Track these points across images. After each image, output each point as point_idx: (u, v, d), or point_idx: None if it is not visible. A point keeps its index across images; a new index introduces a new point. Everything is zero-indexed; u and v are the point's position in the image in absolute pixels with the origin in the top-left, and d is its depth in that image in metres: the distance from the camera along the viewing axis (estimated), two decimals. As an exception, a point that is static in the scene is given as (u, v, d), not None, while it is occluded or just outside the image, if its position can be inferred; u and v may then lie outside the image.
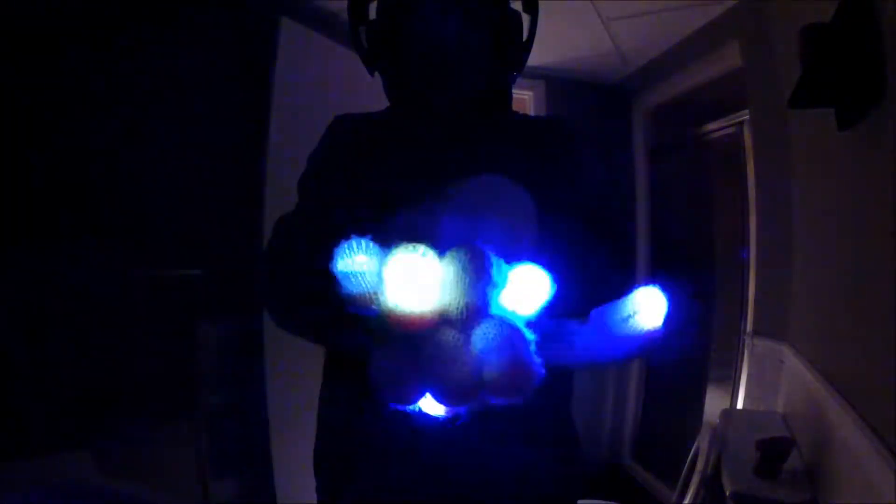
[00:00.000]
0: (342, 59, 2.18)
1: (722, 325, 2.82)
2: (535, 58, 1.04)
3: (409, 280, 0.66)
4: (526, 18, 1.01)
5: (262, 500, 2.27)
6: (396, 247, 0.67)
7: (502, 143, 0.98)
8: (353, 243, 0.69)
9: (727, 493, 1.54)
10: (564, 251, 0.75)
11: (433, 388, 0.69)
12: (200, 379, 2.21)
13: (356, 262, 0.68)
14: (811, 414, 1.63)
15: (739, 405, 2.37)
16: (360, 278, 0.69)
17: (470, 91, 0.97)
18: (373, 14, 1.00)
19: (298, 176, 1.01)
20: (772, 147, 2.20)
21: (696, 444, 2.36)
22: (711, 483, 1.97)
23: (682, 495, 2.31)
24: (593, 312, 0.74)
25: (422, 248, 0.67)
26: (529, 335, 0.70)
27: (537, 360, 0.69)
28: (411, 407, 0.71)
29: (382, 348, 0.70)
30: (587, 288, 0.78)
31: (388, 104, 1.04)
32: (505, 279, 0.69)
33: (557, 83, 3.32)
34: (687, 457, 2.42)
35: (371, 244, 0.69)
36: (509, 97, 1.05)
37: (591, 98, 3.42)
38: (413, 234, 0.69)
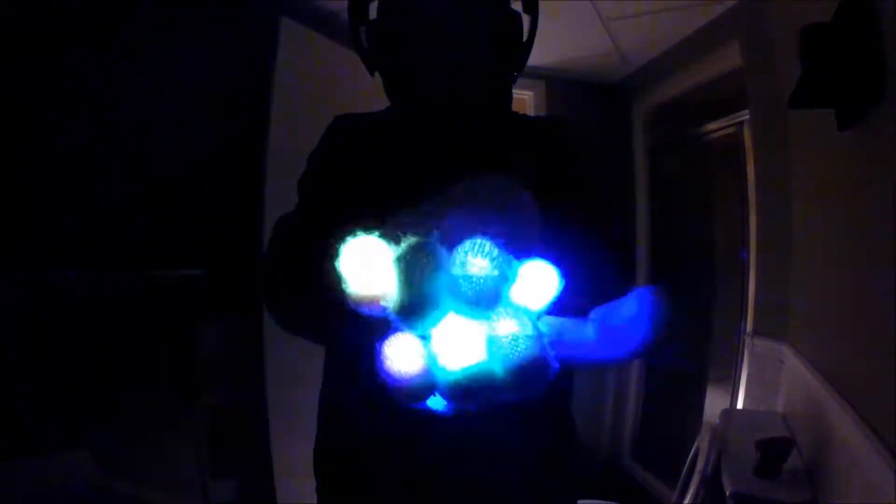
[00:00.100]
0: (342, 59, 2.18)
1: (722, 325, 2.81)
2: (535, 58, 1.04)
3: (363, 263, 0.68)
4: (526, 19, 1.01)
5: (262, 500, 2.27)
6: (404, 243, 0.67)
7: (502, 143, 0.98)
8: (357, 238, 0.69)
9: (727, 493, 1.54)
10: (565, 249, 0.75)
11: (446, 386, 0.68)
12: (200, 379, 2.21)
13: (361, 258, 0.68)
14: (811, 414, 1.63)
15: (739, 405, 2.37)
16: (363, 275, 0.69)
17: (470, 91, 0.97)
18: (373, 14, 1.00)
19: (298, 176, 1.01)
20: (772, 147, 2.20)
21: (696, 444, 2.35)
22: (711, 483, 1.97)
23: (682, 495, 2.31)
24: (593, 312, 0.74)
25: (429, 243, 0.68)
26: (544, 329, 0.70)
27: (552, 354, 0.69)
28: (418, 405, 0.71)
29: (392, 346, 0.69)
30: (588, 286, 0.78)
31: (389, 104, 1.04)
32: (515, 275, 0.69)
33: (557, 83, 3.32)
34: (687, 457, 2.41)
35: (375, 238, 0.69)
36: (509, 97, 1.05)
37: (591, 98, 3.42)
38: (417, 233, 0.69)
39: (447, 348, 0.68)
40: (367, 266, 0.68)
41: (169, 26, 2.17)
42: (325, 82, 2.37)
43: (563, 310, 0.74)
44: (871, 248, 1.25)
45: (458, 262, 0.68)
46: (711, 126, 2.86)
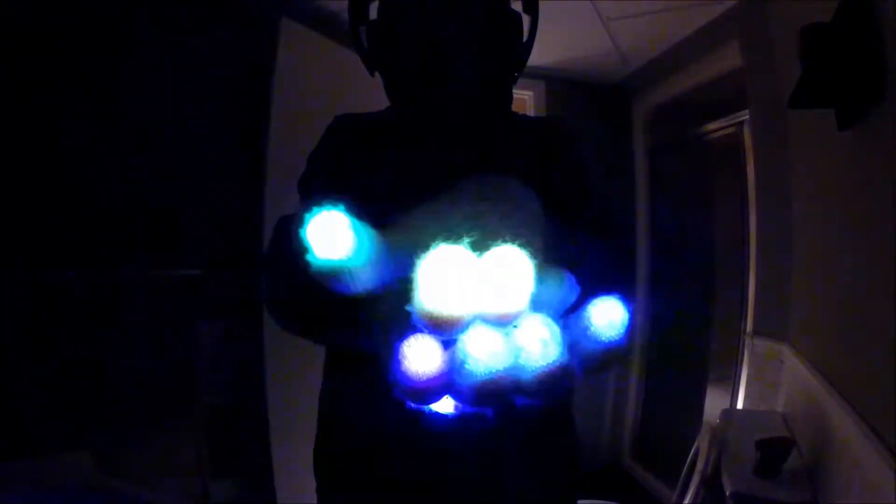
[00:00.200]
0: (342, 59, 2.18)
1: (722, 325, 2.82)
2: (535, 58, 1.04)
3: (449, 279, 0.64)
4: (526, 19, 1.01)
5: (262, 500, 2.27)
6: (432, 243, 0.66)
7: (502, 143, 0.98)
8: (323, 211, 0.67)
9: (727, 493, 1.54)
10: (566, 250, 0.75)
11: (469, 389, 0.67)
12: (200, 379, 2.21)
13: (326, 229, 0.66)
14: (811, 414, 1.63)
15: (739, 405, 2.37)
16: (324, 247, 0.67)
17: (470, 91, 0.97)
18: (373, 14, 1.00)
19: (298, 176, 1.01)
20: (772, 147, 2.20)
21: (696, 444, 2.35)
22: (711, 483, 1.97)
23: (682, 495, 2.31)
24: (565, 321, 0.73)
25: (461, 245, 0.65)
26: (563, 335, 0.70)
27: (571, 360, 0.69)
28: (427, 407, 0.70)
29: (411, 347, 0.68)
30: (587, 284, 0.78)
31: (389, 104, 1.04)
32: (534, 280, 0.69)
33: (557, 83, 3.32)
34: (687, 457, 2.41)
35: (339, 212, 0.67)
36: (509, 97, 1.05)
37: (591, 98, 3.42)
38: (425, 233, 0.69)
39: (474, 352, 0.67)
40: (330, 238, 0.66)
41: (169, 26, 2.17)
42: (325, 82, 2.38)
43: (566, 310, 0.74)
44: (871, 248, 1.25)
45: (489, 274, 0.66)
46: (711, 126, 2.86)
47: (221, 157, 2.33)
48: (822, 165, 1.69)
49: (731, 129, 2.69)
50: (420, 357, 0.67)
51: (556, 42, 2.80)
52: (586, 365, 0.72)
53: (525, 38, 1.00)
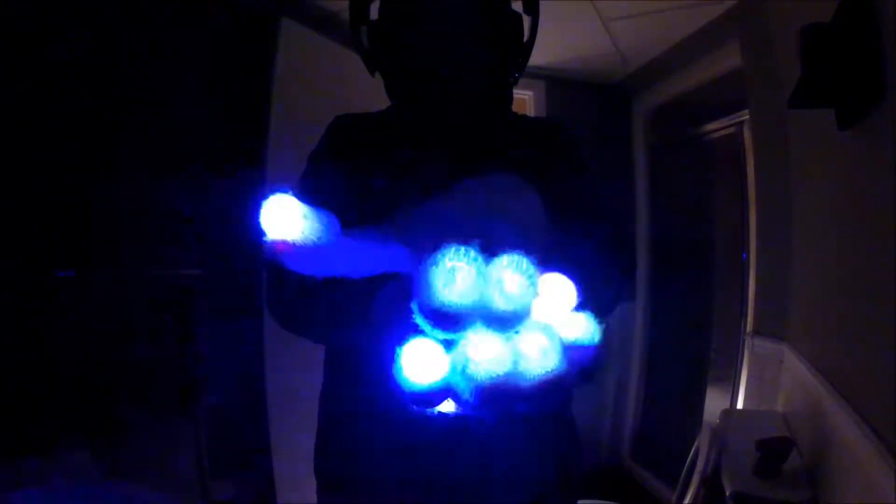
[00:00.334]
0: (342, 59, 2.18)
1: (722, 325, 2.81)
2: (535, 58, 1.04)
3: (452, 275, 0.65)
4: (526, 19, 1.01)
5: (262, 500, 2.27)
6: (432, 243, 0.66)
7: (502, 143, 0.99)
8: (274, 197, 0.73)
9: (727, 493, 1.54)
10: (567, 251, 0.75)
11: (471, 393, 0.67)
12: (200, 379, 2.21)
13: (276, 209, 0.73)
14: (811, 414, 1.63)
15: (739, 405, 2.37)
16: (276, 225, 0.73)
17: (471, 92, 0.97)
18: (373, 14, 1.01)
19: (298, 176, 1.01)
20: (772, 147, 2.20)
21: (696, 444, 2.35)
22: (711, 483, 1.97)
23: (682, 495, 2.31)
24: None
25: (471, 251, 0.66)
26: (563, 342, 0.69)
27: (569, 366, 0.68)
28: (430, 409, 0.70)
29: (412, 349, 0.67)
30: (586, 286, 0.78)
31: (389, 104, 1.04)
32: (537, 286, 0.68)
33: (557, 83, 3.32)
34: (687, 457, 2.41)
35: (290, 196, 0.73)
36: (510, 98, 1.05)
37: (591, 98, 3.42)
38: (425, 233, 0.69)
39: (475, 357, 0.66)
40: (279, 220, 0.73)
41: (169, 26, 2.17)
42: (325, 82, 2.38)
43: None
44: (871, 249, 1.25)
45: (495, 278, 0.66)
46: (711, 126, 2.86)
47: (221, 157, 2.32)
48: (822, 165, 1.69)
49: (731, 129, 2.69)
50: (421, 360, 0.67)
51: (556, 42, 2.80)
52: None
53: (525, 39, 1.00)
